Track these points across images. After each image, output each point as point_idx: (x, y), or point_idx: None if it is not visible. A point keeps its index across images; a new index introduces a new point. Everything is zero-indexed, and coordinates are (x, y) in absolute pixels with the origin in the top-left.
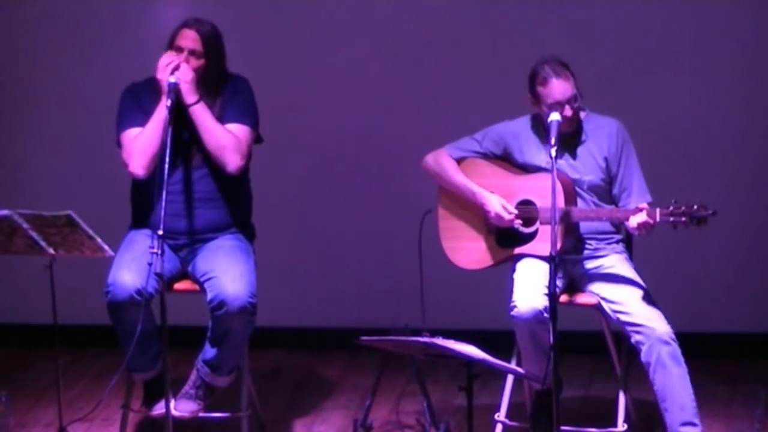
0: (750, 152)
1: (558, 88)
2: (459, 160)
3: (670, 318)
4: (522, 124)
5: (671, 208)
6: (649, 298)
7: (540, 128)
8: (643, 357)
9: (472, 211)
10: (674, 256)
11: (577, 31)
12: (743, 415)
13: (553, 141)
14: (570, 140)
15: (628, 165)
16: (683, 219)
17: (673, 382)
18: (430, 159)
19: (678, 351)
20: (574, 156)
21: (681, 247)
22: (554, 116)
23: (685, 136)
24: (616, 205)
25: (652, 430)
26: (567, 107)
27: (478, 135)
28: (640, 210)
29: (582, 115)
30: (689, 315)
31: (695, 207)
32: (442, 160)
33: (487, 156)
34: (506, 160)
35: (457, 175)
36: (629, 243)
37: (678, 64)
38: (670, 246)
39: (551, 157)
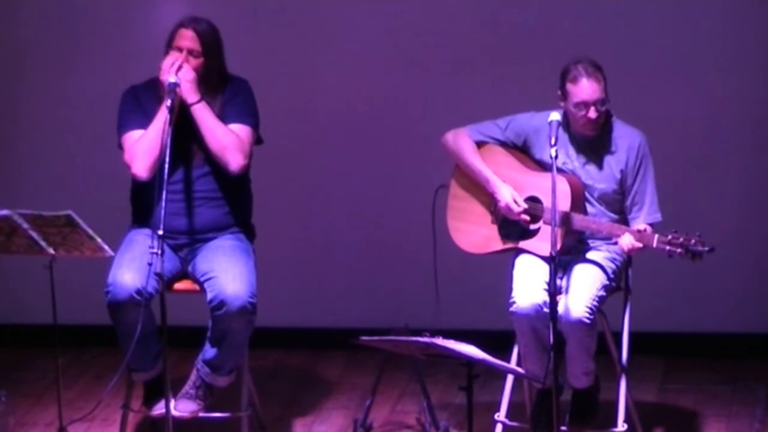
0: (752, 152)
1: (587, 88)
2: (478, 144)
3: (670, 318)
4: (546, 119)
5: (669, 236)
6: (590, 283)
7: (565, 128)
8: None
9: (482, 196)
10: (674, 256)
11: (581, 31)
12: (743, 415)
13: (552, 141)
14: (597, 146)
15: (643, 180)
16: (679, 251)
17: (574, 353)
18: (450, 137)
19: (582, 333)
20: (600, 165)
21: None
22: (554, 116)
23: (691, 136)
24: (627, 216)
25: (651, 430)
26: (592, 109)
27: (501, 122)
28: (639, 232)
29: (612, 121)
30: (689, 315)
31: (693, 241)
32: (462, 141)
33: (506, 145)
34: (525, 152)
35: (474, 158)
36: None
37: (682, 65)
38: None
39: (551, 157)
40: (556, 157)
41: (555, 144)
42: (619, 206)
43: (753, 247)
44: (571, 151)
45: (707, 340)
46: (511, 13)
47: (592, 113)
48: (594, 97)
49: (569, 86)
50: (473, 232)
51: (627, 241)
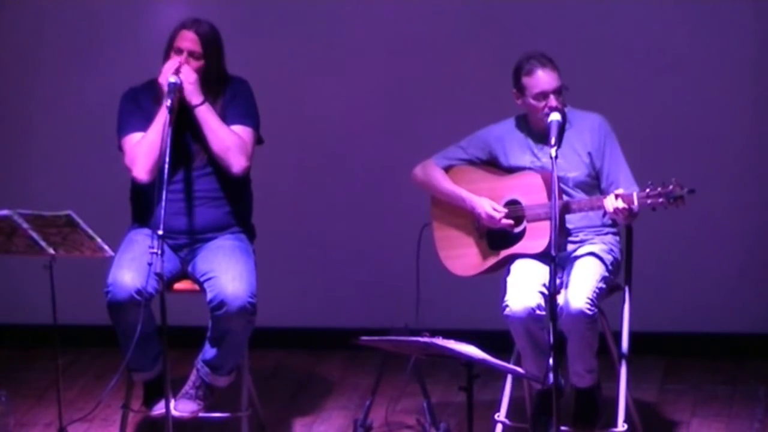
0: (751, 152)
1: (544, 78)
2: (446, 169)
3: (670, 318)
4: (506, 127)
5: (647, 190)
6: (590, 275)
7: (524, 129)
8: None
9: (463, 218)
10: (674, 256)
11: (580, 32)
12: (743, 415)
13: (553, 141)
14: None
15: (612, 158)
16: (660, 200)
17: (576, 350)
18: (419, 170)
19: (585, 326)
20: (567, 154)
21: (681, 247)
22: (554, 116)
23: (688, 136)
24: None
25: (651, 430)
26: (552, 98)
27: (463, 142)
28: (617, 196)
29: (566, 111)
30: (689, 315)
31: (671, 187)
32: (430, 170)
33: (473, 162)
34: (492, 164)
35: (445, 183)
36: (629, 242)
37: (681, 64)
38: (670, 245)
39: (551, 158)
40: (557, 157)
41: (555, 144)
42: (597, 192)
43: (753, 247)
44: (536, 149)
45: (707, 340)
46: (512, 20)
47: (553, 101)
48: (553, 86)
49: (525, 80)
50: (465, 254)
51: (610, 202)
